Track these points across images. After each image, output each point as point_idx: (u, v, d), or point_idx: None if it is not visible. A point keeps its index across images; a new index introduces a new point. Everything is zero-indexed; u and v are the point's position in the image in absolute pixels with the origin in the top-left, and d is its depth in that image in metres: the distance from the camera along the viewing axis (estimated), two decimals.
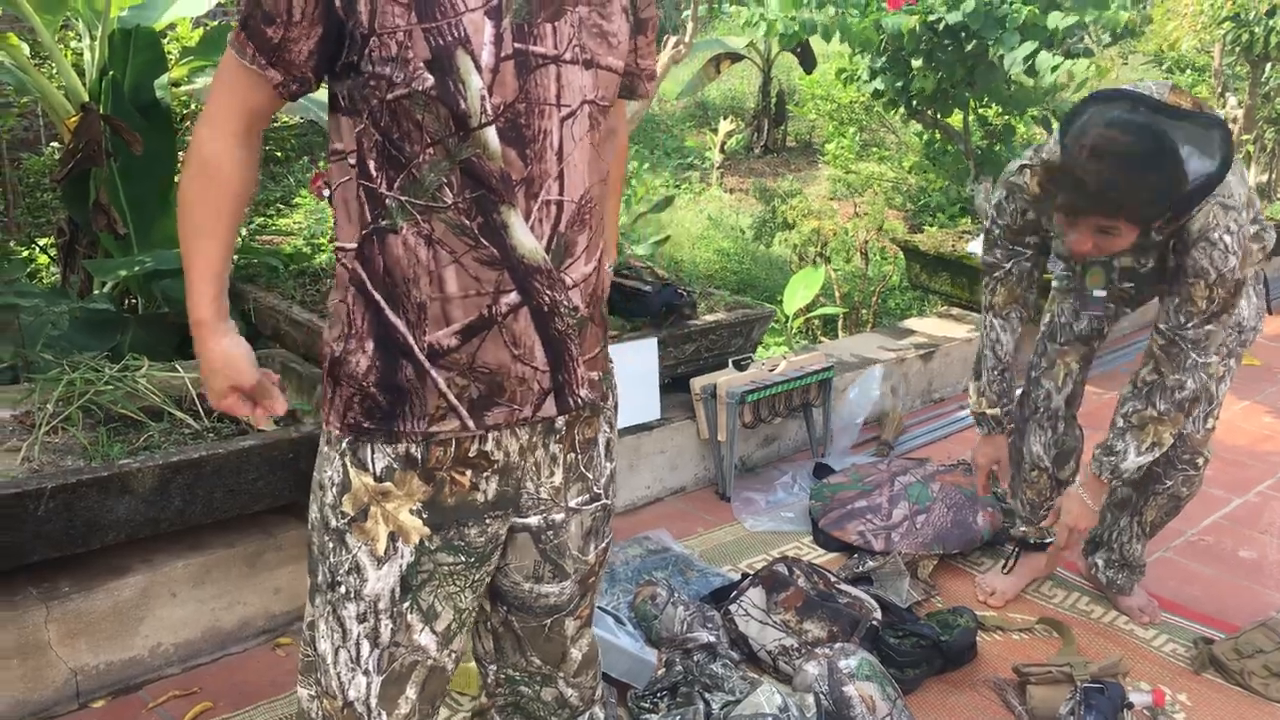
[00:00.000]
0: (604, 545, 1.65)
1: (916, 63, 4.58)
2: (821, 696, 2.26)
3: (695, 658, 2.49)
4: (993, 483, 2.93)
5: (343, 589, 1.45)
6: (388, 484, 1.42)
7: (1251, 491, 3.64)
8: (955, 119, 5.21)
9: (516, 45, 1.34)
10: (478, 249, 1.37)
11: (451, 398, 1.40)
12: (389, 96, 1.32)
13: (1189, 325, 2.31)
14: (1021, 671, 2.48)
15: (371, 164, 1.37)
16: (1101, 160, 2.09)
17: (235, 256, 3.65)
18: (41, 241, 5.05)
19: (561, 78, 1.38)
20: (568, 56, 1.38)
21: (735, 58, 10.22)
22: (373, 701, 1.47)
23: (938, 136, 5.70)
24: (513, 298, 1.39)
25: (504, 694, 1.71)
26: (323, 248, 4.23)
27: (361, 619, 1.45)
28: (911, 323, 4.65)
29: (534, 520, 1.54)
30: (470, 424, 1.42)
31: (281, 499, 2.50)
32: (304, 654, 1.53)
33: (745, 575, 2.80)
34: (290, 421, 2.65)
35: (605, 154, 1.47)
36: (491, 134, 1.34)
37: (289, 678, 2.42)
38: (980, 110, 5.33)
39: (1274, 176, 6.69)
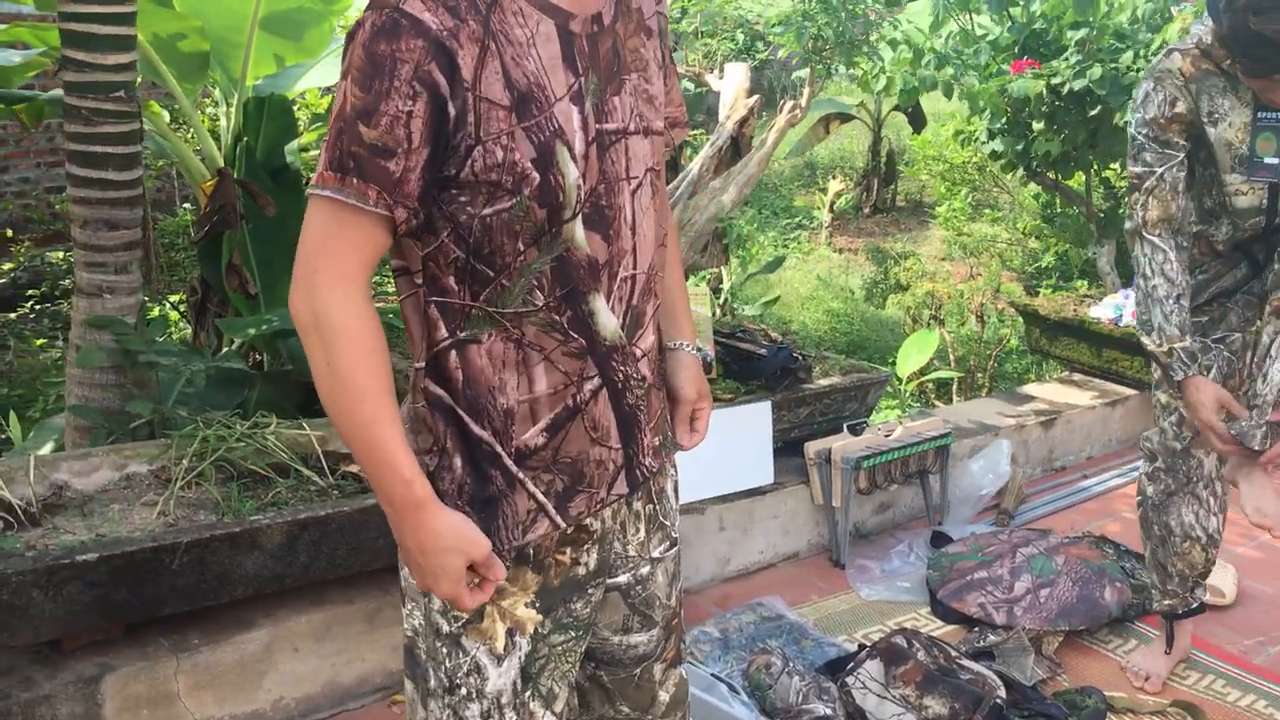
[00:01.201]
0: (681, 584, 1.65)
1: (1038, 125, 4.52)
2: None
3: None
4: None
5: (463, 690, 1.42)
6: (503, 584, 1.38)
7: None
8: (1076, 180, 5.12)
9: (596, 126, 1.32)
10: (567, 343, 1.35)
11: (540, 496, 1.37)
12: (485, 211, 1.27)
13: None
14: None
15: (450, 279, 1.31)
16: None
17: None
18: (173, 299, 5.27)
19: (629, 150, 1.36)
20: (631, 128, 1.36)
21: (845, 117, 10.22)
22: None
23: (1056, 199, 5.60)
24: (594, 382, 1.38)
25: None
26: None
27: (486, 717, 1.43)
28: (1031, 388, 4.54)
29: (623, 578, 1.53)
30: (559, 520, 1.39)
31: (398, 557, 2.53)
32: None
33: (862, 646, 2.74)
34: None
35: (664, 219, 1.47)
36: (578, 224, 1.31)
37: None
38: (1104, 171, 5.23)
39: None
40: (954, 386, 5.32)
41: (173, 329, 5.09)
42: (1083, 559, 3.10)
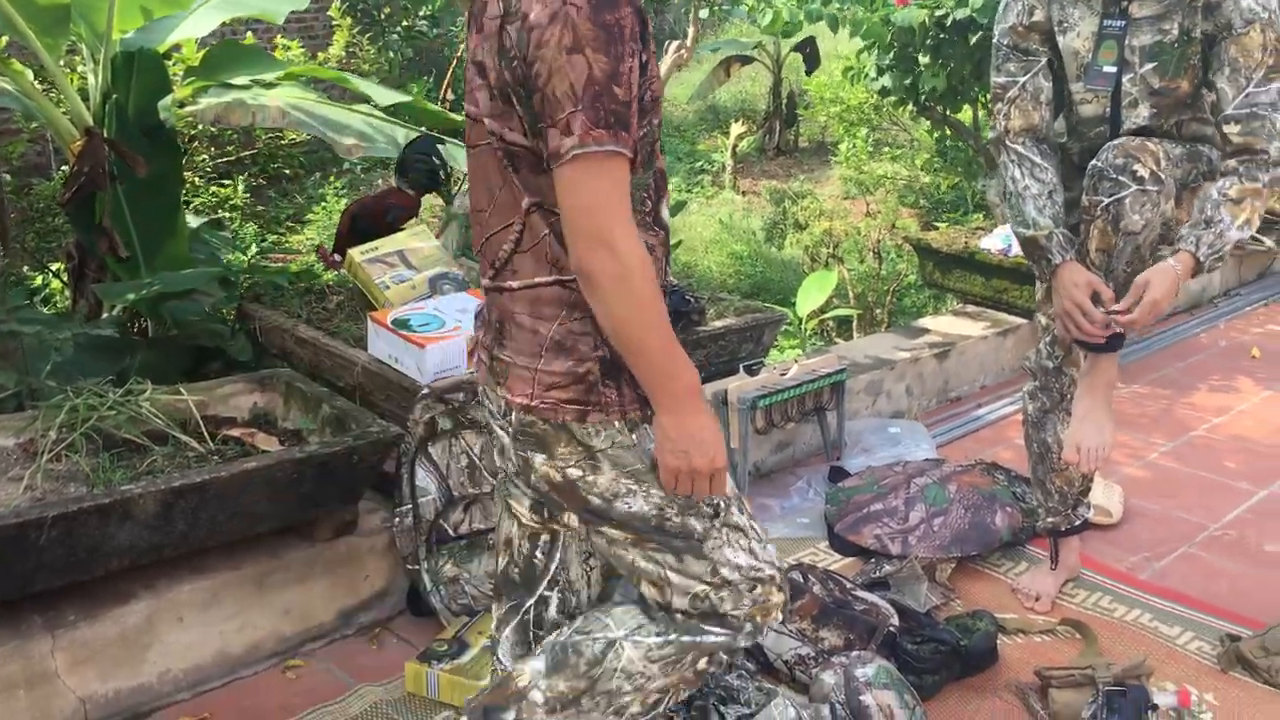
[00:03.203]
0: None
1: (924, 59, 4.54)
2: (838, 706, 2.22)
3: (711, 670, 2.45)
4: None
5: (721, 503, 1.71)
6: None
7: (1275, 483, 3.57)
8: (965, 115, 5.16)
9: None
10: (657, 236, 1.68)
11: None
12: (640, 134, 1.56)
13: (1258, 86, 2.25)
14: (1043, 675, 2.43)
15: None
16: None
17: (242, 277, 3.65)
18: (54, 267, 5.07)
19: None
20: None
21: (745, 60, 10.20)
22: (774, 555, 1.79)
23: (948, 133, 5.64)
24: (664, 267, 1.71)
25: None
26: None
27: (741, 511, 1.75)
28: (926, 321, 4.59)
29: None
30: None
31: (287, 520, 2.48)
32: (714, 599, 1.72)
33: None
34: (295, 441, 2.64)
35: None
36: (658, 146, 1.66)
37: (300, 700, 2.40)
38: (990, 105, 5.28)
39: None
40: (853, 324, 5.37)
41: (57, 298, 4.90)
42: (974, 486, 3.16)
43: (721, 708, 2.30)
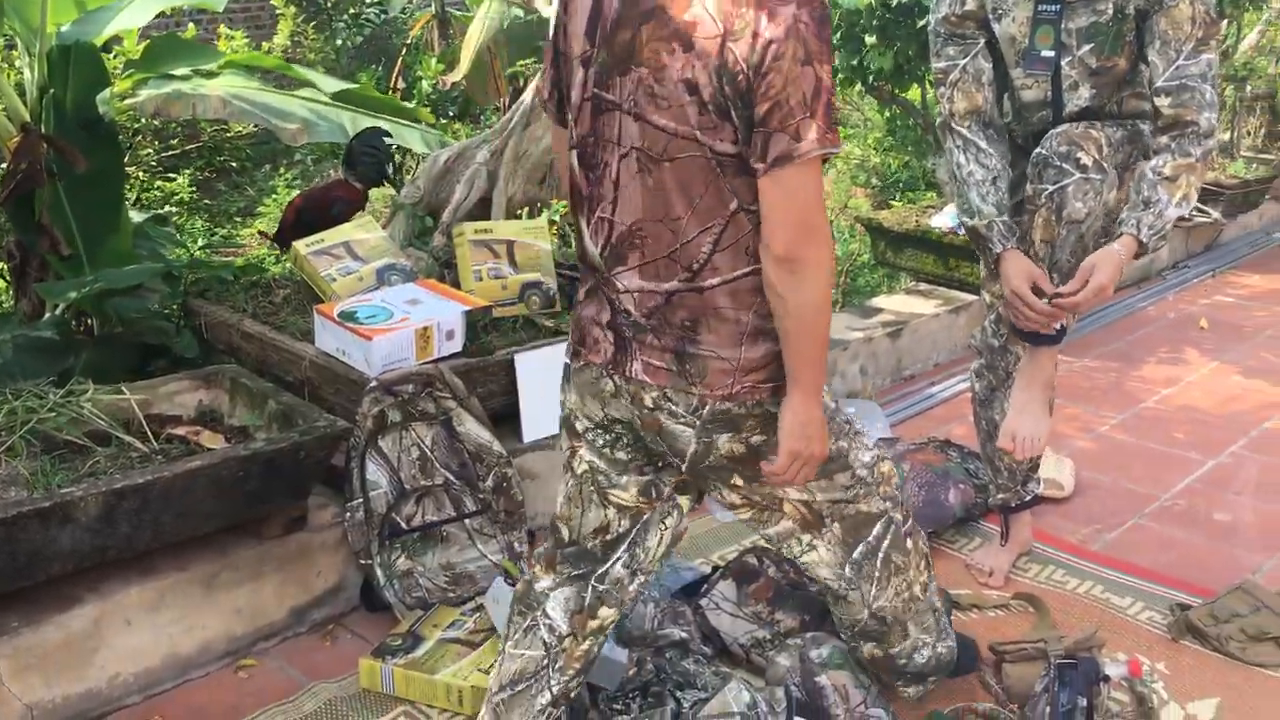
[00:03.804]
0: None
1: (871, 39, 4.54)
2: (793, 688, 2.22)
3: (667, 655, 2.45)
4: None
5: (855, 428, 2.01)
6: None
7: (1224, 453, 3.62)
8: (914, 93, 5.17)
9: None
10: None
11: None
12: None
13: (1188, 59, 2.27)
14: (997, 650, 2.45)
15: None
16: None
17: (187, 272, 3.59)
18: None
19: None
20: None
21: None
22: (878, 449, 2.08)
23: (897, 112, 5.65)
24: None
25: None
26: (281, 258, 4.16)
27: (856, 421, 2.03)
28: (879, 300, 4.61)
29: None
30: None
31: (234, 518, 2.45)
32: (849, 496, 2.00)
33: (716, 568, 2.76)
34: (241, 438, 2.61)
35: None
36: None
37: (252, 700, 2.38)
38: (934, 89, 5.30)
39: (1235, 135, 6.68)
40: None
41: (2, 298, 4.80)
42: (927, 464, 3.17)
43: (678, 693, 2.30)
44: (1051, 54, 2.43)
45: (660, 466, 1.98)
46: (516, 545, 2.86)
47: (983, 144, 2.49)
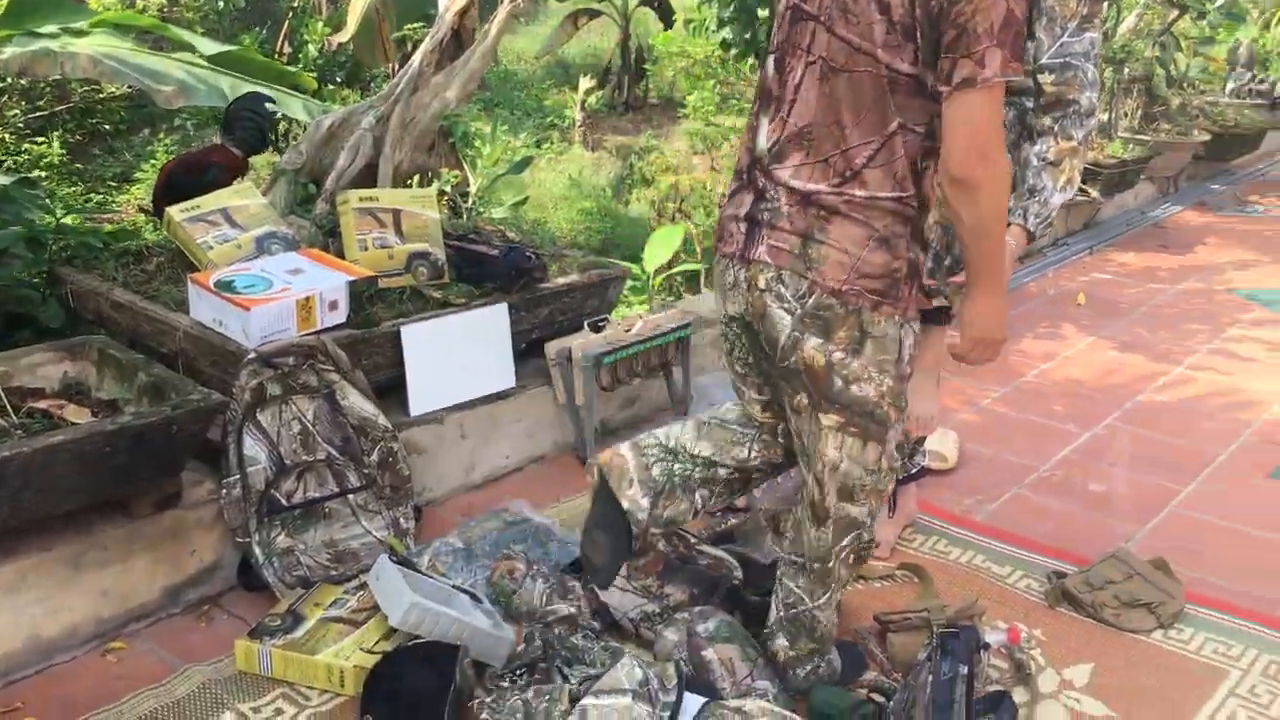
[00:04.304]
0: None
1: (763, 12, 4.53)
2: (681, 663, 2.22)
3: (556, 631, 2.42)
4: None
5: (906, 404, 2.08)
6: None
7: (1099, 425, 3.73)
8: None
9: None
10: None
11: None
12: None
13: (1072, 36, 2.32)
14: (881, 619, 2.48)
15: (936, 127, 1.83)
16: None
17: (53, 238, 3.42)
18: None
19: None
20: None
21: (593, 13, 10.07)
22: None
23: None
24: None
25: None
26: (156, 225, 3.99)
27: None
28: None
29: None
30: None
31: (100, 496, 2.34)
32: (867, 487, 2.09)
33: None
34: (109, 412, 2.49)
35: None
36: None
37: (121, 684, 2.28)
38: None
39: (1113, 116, 6.87)
40: (700, 278, 5.38)
41: None
42: None
43: (566, 669, 2.28)
44: None
45: (772, 384, 2.16)
46: (402, 521, 2.80)
47: None
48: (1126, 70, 6.87)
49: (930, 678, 2.15)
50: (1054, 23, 2.32)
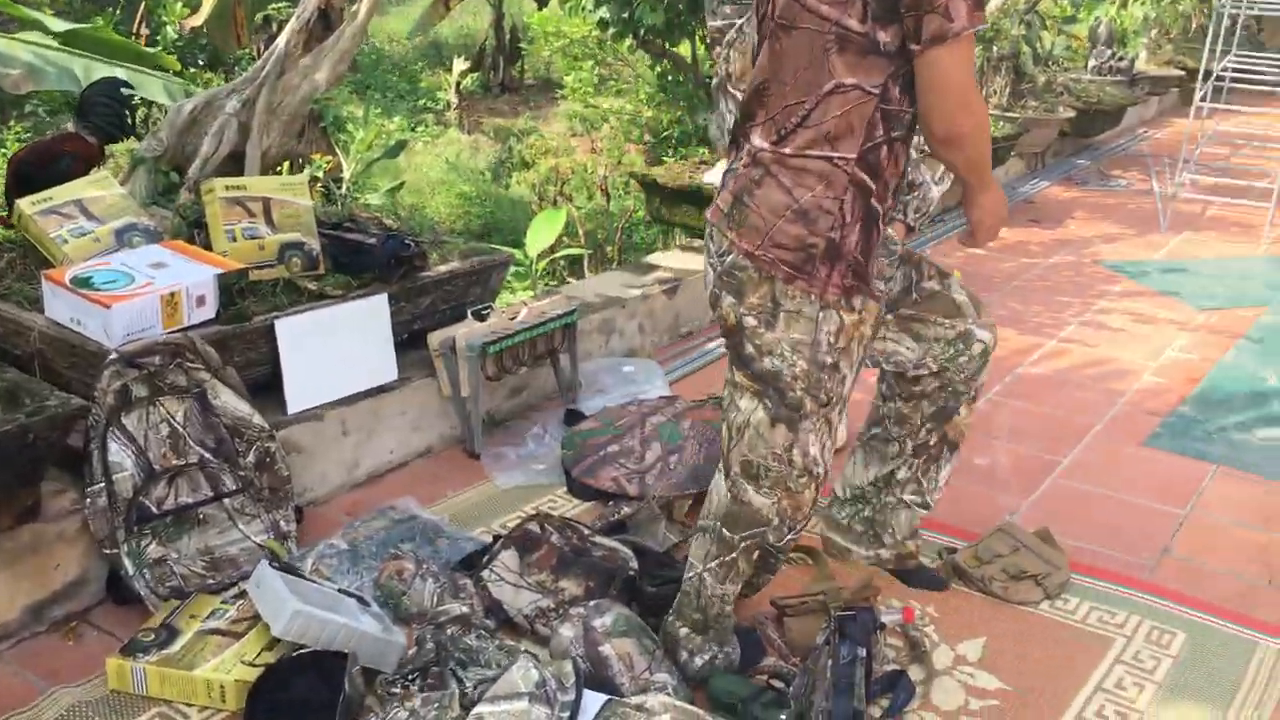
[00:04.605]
0: None
1: None
2: (579, 660, 2.17)
3: (448, 632, 2.34)
4: None
5: (834, 399, 2.00)
6: (863, 314, 1.96)
7: (980, 400, 3.78)
8: (684, 48, 5.16)
9: None
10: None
11: (880, 242, 1.96)
12: None
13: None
14: (778, 604, 2.47)
15: (896, 91, 1.80)
16: None
17: None
18: None
19: None
20: None
21: None
22: (828, 459, 2.10)
23: (669, 67, 5.63)
24: None
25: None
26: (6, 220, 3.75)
27: (840, 412, 2.05)
28: (655, 258, 4.60)
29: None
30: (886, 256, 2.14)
31: None
32: (771, 473, 2.05)
33: (497, 538, 2.67)
34: None
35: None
36: None
37: None
38: (708, 49, 5.29)
39: (983, 93, 7.01)
40: (584, 262, 5.32)
41: None
42: (707, 422, 3.17)
43: (460, 671, 2.21)
44: None
45: None
46: (283, 524, 2.69)
47: None
48: (995, 49, 7.02)
49: (829, 662, 2.14)
50: None
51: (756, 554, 2.22)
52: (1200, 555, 2.86)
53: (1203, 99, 6.73)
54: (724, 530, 2.17)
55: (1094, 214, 6.55)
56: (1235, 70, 7.39)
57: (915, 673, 2.34)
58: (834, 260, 1.89)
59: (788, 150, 1.86)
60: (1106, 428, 3.61)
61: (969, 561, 2.69)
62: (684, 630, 2.27)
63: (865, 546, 2.51)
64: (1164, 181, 7.21)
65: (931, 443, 2.47)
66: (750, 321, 1.96)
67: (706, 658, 2.26)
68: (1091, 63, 9.06)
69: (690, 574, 2.25)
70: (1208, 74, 6.67)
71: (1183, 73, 10.12)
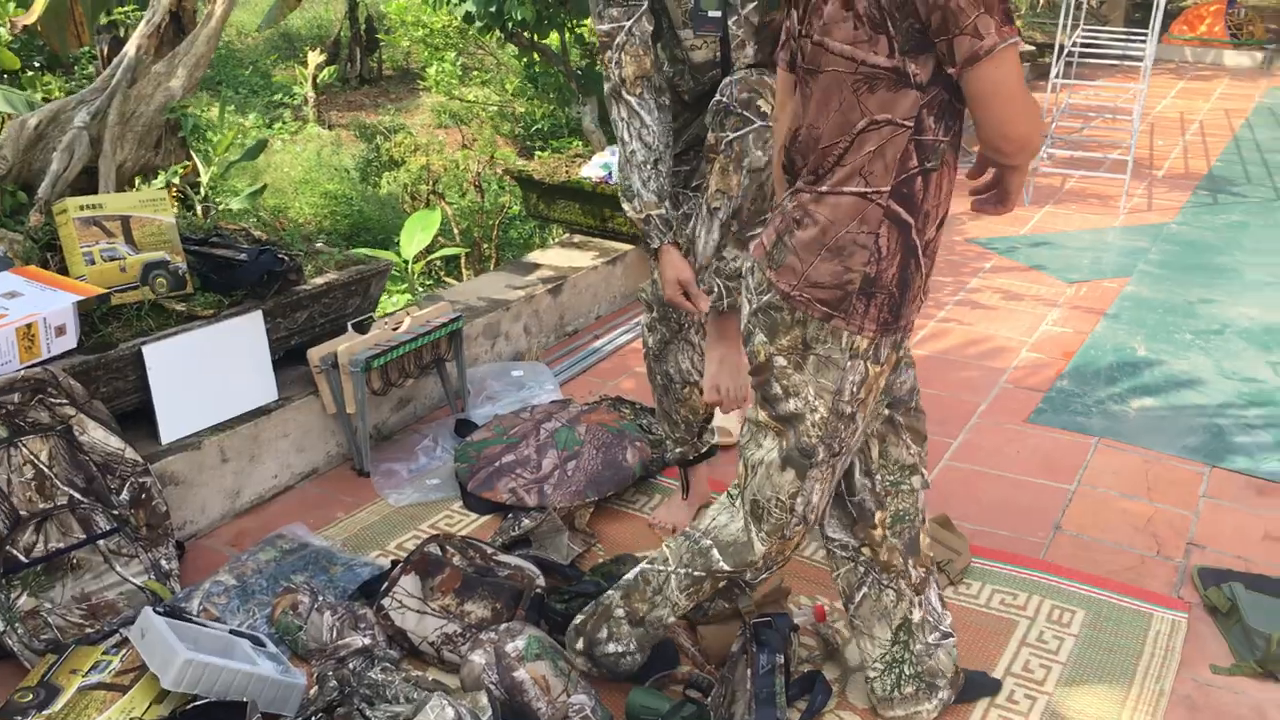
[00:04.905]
0: None
1: None
2: (493, 688, 2.09)
3: (351, 666, 2.24)
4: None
5: (844, 449, 1.99)
6: (885, 365, 1.94)
7: None
8: (553, 40, 5.07)
9: None
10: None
11: (924, 277, 1.91)
12: None
13: None
14: (688, 613, 2.43)
15: (930, 120, 1.79)
16: None
17: None
18: None
19: None
20: None
21: None
22: (823, 510, 2.08)
23: (537, 59, 5.54)
24: None
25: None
26: None
27: (844, 466, 2.04)
28: (535, 256, 4.51)
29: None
30: (925, 295, 1.97)
31: None
32: (773, 518, 2.03)
33: (395, 562, 2.57)
34: None
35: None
36: None
37: None
38: (578, 29, 5.21)
39: None
40: (461, 261, 5.20)
41: None
42: (602, 424, 3.12)
43: (368, 710, 2.11)
44: (719, 14, 2.40)
45: None
46: (164, 563, 2.54)
47: (648, 118, 2.42)
48: None
49: (748, 671, 2.11)
50: None
51: (724, 582, 2.18)
52: (1090, 529, 2.93)
53: (1057, 75, 6.93)
54: (714, 552, 2.13)
55: (959, 190, 6.66)
56: (1083, 45, 7.63)
57: (829, 670, 2.34)
58: (870, 294, 1.86)
59: (824, 188, 1.86)
60: (991, 407, 3.68)
61: None
62: (620, 611, 2.21)
63: (928, 699, 2.26)
64: None
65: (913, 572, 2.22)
66: (780, 362, 1.94)
67: (619, 650, 2.21)
68: None
69: (660, 567, 2.20)
70: (1060, 48, 6.87)
71: (1033, 47, 10.43)
